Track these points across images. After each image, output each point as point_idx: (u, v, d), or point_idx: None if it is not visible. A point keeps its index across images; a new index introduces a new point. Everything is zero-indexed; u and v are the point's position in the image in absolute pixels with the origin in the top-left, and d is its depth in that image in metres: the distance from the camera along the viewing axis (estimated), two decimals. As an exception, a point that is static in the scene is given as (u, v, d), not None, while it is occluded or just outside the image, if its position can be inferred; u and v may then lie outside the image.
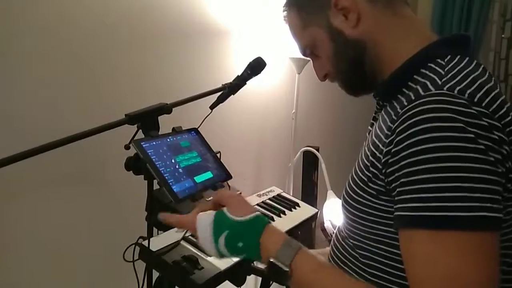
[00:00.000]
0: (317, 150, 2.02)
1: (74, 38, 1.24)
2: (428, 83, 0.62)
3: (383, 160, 0.62)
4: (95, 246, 1.34)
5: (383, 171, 0.63)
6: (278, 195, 1.40)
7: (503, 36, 2.94)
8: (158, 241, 0.98)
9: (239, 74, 1.13)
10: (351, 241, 0.74)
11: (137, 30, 1.39)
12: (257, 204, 1.31)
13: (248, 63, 1.13)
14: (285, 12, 0.81)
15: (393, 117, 0.63)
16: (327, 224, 1.90)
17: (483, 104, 0.57)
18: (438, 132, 0.54)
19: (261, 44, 1.85)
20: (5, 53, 1.10)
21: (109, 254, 1.17)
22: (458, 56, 0.66)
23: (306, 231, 1.96)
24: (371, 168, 0.66)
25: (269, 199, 1.37)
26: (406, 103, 0.60)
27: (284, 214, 1.28)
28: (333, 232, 1.80)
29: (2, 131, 1.10)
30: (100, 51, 1.30)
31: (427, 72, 0.65)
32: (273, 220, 1.23)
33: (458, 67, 0.63)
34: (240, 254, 0.70)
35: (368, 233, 0.69)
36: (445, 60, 0.65)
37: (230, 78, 1.13)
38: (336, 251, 0.80)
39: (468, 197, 0.53)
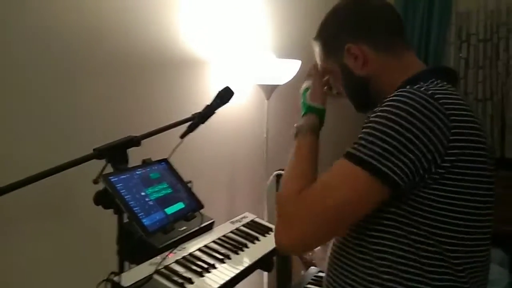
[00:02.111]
0: (290, 173, 2.04)
1: (43, 68, 1.22)
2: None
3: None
4: (66, 281, 1.30)
5: None
6: (251, 221, 1.41)
7: (460, 55, 3.10)
8: (130, 276, 0.97)
9: (209, 104, 1.14)
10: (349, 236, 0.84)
11: (105, 60, 1.40)
12: (231, 231, 1.31)
13: (217, 92, 1.15)
14: (315, 40, 1.00)
15: (373, 111, 0.78)
16: (302, 247, 1.90)
17: (445, 106, 0.72)
18: (391, 108, 0.73)
19: (231, 73, 1.88)
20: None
21: (80, 291, 1.14)
22: (439, 81, 0.79)
23: (282, 256, 1.95)
24: None
25: (243, 225, 1.37)
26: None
27: (258, 240, 1.28)
28: (310, 254, 1.80)
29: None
30: (69, 83, 1.29)
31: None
32: (247, 248, 1.23)
33: (436, 86, 0.77)
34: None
35: (364, 228, 0.80)
36: (428, 81, 0.79)
37: (200, 107, 1.14)
38: (334, 252, 0.88)
39: (369, 148, 0.72)
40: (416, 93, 0.73)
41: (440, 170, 0.71)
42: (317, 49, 1.00)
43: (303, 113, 1.02)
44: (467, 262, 0.76)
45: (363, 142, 0.74)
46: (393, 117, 0.72)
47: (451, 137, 0.71)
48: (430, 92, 0.73)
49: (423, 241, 0.74)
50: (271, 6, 2.18)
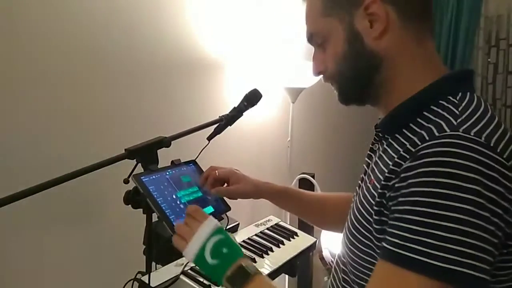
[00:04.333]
0: (313, 177, 2.03)
1: (72, 74, 1.25)
2: (443, 123, 0.59)
3: (387, 195, 0.62)
4: (93, 281, 1.32)
5: (387, 205, 0.62)
6: (276, 224, 1.40)
7: (489, 60, 3.02)
8: (157, 276, 0.97)
9: (236, 106, 1.14)
10: (352, 276, 0.73)
11: (135, 65, 1.41)
12: (256, 234, 1.30)
13: (244, 94, 1.15)
14: None
15: (403, 153, 0.61)
16: (325, 253, 1.88)
17: (498, 150, 0.55)
18: (446, 178, 0.53)
19: (256, 75, 1.88)
20: (2, 88, 1.11)
21: (106, 290, 1.15)
22: (469, 94, 0.63)
23: (305, 260, 1.94)
24: (374, 207, 0.64)
25: (267, 228, 1.36)
26: (419, 142, 0.59)
27: (283, 244, 1.27)
28: (332, 261, 1.78)
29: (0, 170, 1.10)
30: (98, 87, 1.32)
31: (440, 111, 0.62)
32: (272, 251, 1.22)
33: (472, 106, 0.61)
34: (215, 258, 0.71)
35: (370, 269, 0.67)
36: (457, 98, 0.63)
37: (227, 109, 1.14)
38: (338, 282, 0.79)
39: (452, 249, 0.52)
40: (472, 157, 0.53)
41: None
42: (312, 1, 0.72)
43: (236, 251, 0.73)
44: None
45: (422, 238, 0.52)
46: (449, 203, 0.52)
47: None
48: (483, 138, 0.55)
49: None
50: (297, 7, 2.17)
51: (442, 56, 2.91)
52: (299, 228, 1.41)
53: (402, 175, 0.58)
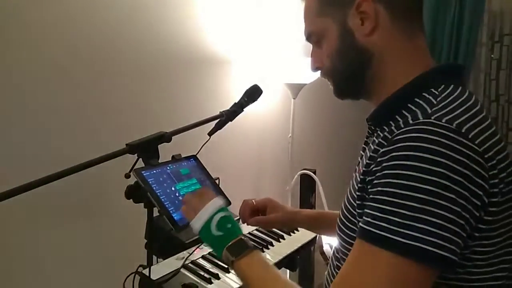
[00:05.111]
0: (314, 173, 2.03)
1: (75, 69, 1.26)
2: (418, 112, 0.64)
3: (366, 180, 0.65)
4: (95, 274, 1.33)
5: (367, 189, 0.65)
6: (276, 219, 1.41)
7: (492, 56, 3.01)
8: (158, 270, 0.98)
9: (236, 101, 1.15)
10: (343, 262, 0.74)
11: (136, 61, 1.42)
12: (256, 229, 1.31)
13: (245, 90, 1.15)
14: None
15: (380, 140, 0.65)
16: (326, 248, 1.89)
17: (469, 136, 0.58)
18: (415, 161, 0.56)
19: (257, 71, 1.88)
20: (6, 83, 1.12)
21: (109, 283, 1.16)
22: (452, 86, 0.67)
23: (305, 255, 1.95)
24: (358, 191, 0.67)
25: (268, 223, 1.37)
26: (395, 130, 0.62)
27: (283, 238, 1.28)
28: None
29: (2, 164, 1.11)
30: (99, 82, 1.32)
31: (420, 101, 0.66)
32: (273, 246, 1.23)
33: (451, 97, 0.64)
34: (220, 231, 0.76)
35: None
36: (439, 89, 0.66)
37: (227, 105, 1.15)
38: (332, 277, 0.80)
39: (417, 227, 0.54)
40: (441, 142, 0.56)
41: (487, 218, 0.60)
42: (308, 2, 0.77)
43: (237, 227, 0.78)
44: None
45: (390, 217, 0.56)
46: (418, 185, 0.55)
47: (490, 181, 0.58)
48: (455, 124, 0.58)
49: None
50: (297, 2, 2.17)
51: (445, 52, 2.89)
52: (299, 223, 1.42)
53: (379, 159, 0.61)
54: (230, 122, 1.14)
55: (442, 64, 0.73)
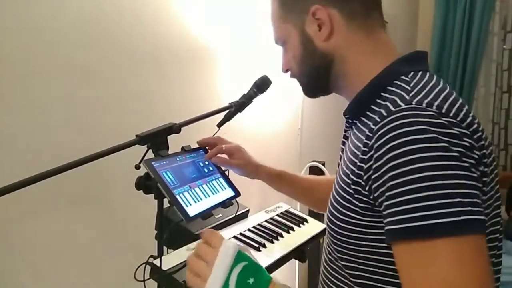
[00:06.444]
0: (323, 165, 2.03)
1: (81, 62, 1.26)
2: (397, 98, 0.64)
3: (365, 177, 0.63)
4: (107, 265, 1.35)
5: (367, 187, 0.64)
6: (286, 211, 1.41)
7: (504, 47, 2.97)
8: (169, 260, 0.99)
9: (245, 93, 1.14)
10: (340, 262, 0.74)
11: (144, 52, 1.42)
12: (266, 221, 1.31)
13: (254, 81, 1.15)
14: None
15: (368, 133, 0.64)
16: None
17: (451, 114, 0.60)
18: (413, 144, 0.56)
19: (266, 63, 1.87)
20: (11, 75, 1.13)
21: (120, 274, 1.17)
22: (420, 72, 0.70)
23: (314, 247, 1.95)
24: (352, 186, 0.66)
25: (277, 215, 1.37)
26: (378, 119, 0.62)
27: (293, 230, 1.28)
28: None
29: (13, 155, 1.12)
30: (108, 74, 1.33)
31: (394, 89, 0.68)
32: (282, 237, 1.24)
33: (422, 82, 0.67)
34: None
35: (357, 251, 0.69)
36: (409, 76, 0.68)
37: (236, 96, 1.15)
38: (327, 273, 0.80)
39: (447, 203, 0.54)
40: (430, 121, 0.58)
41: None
42: (272, 8, 0.80)
43: (264, 279, 0.68)
44: None
45: (420, 204, 0.55)
46: (426, 164, 0.55)
47: (478, 144, 0.61)
48: (435, 107, 0.60)
49: None
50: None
51: (455, 43, 2.85)
52: (309, 215, 1.42)
53: (375, 155, 0.61)
54: (239, 113, 1.14)
55: (408, 54, 0.75)
